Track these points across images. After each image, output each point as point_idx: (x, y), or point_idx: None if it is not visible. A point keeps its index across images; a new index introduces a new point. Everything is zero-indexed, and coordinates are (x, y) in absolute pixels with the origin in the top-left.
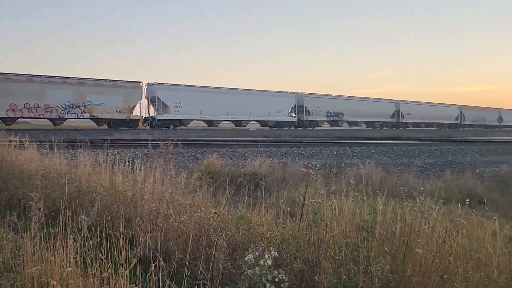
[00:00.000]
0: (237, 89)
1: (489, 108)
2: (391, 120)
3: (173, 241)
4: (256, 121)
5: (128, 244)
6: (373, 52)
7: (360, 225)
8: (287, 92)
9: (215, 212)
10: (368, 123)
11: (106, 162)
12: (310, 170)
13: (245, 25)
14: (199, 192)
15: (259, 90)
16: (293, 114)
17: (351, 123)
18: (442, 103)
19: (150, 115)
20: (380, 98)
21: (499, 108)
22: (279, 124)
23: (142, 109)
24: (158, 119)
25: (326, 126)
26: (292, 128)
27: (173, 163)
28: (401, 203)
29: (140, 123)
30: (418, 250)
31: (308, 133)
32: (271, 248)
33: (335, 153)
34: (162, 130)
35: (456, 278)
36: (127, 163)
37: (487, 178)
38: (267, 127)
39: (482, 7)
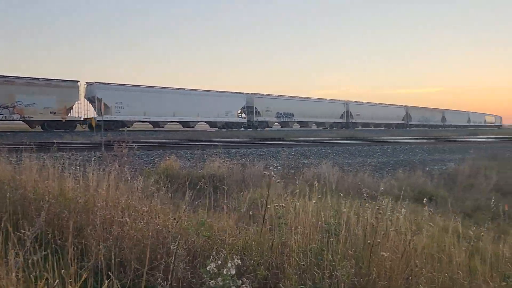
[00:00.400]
0: (184, 89)
1: (434, 109)
2: (340, 120)
3: (129, 250)
4: (204, 122)
5: (80, 255)
6: (326, 54)
7: (324, 228)
8: (236, 92)
9: (174, 219)
10: (318, 124)
11: (55, 167)
12: (272, 172)
13: (198, 25)
14: (157, 197)
15: (207, 90)
16: (243, 115)
17: (301, 123)
18: (390, 104)
19: (90, 117)
20: (330, 99)
21: (443, 109)
22: (228, 125)
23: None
24: (98, 121)
25: (276, 127)
26: (242, 129)
27: (128, 166)
28: (363, 204)
29: (93, 124)
30: (383, 253)
31: (266, 134)
32: (234, 256)
33: (293, 153)
34: (115, 132)
35: (421, 280)
36: (78, 168)
37: (436, 176)
38: (225, 128)
39: (428, 12)
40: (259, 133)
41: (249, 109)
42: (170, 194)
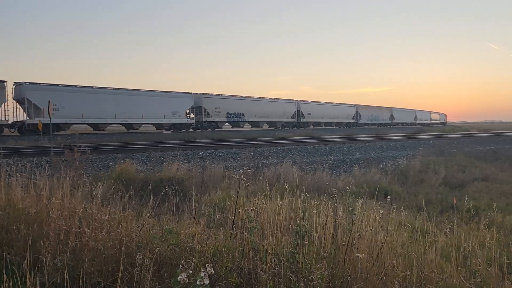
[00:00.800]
0: (127, 89)
1: (382, 107)
2: (292, 120)
3: (88, 262)
4: (149, 123)
5: (34, 270)
6: (280, 55)
7: (294, 230)
8: (184, 92)
9: (138, 227)
10: (270, 124)
11: (0, 175)
12: (236, 175)
13: (144, 25)
14: (117, 204)
15: (153, 91)
16: (192, 116)
17: (253, 123)
18: (340, 103)
19: (20, 119)
20: (281, 99)
21: (391, 107)
22: (176, 127)
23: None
24: (28, 124)
25: (227, 127)
26: (191, 130)
27: (80, 172)
28: (332, 204)
29: (40, 128)
30: (359, 254)
31: (225, 134)
32: (207, 264)
33: (252, 154)
34: (65, 135)
35: (396, 280)
36: (26, 175)
37: (389, 172)
38: (173, 130)
39: (380, 17)
40: (217, 133)
41: (198, 110)
42: (126, 199)
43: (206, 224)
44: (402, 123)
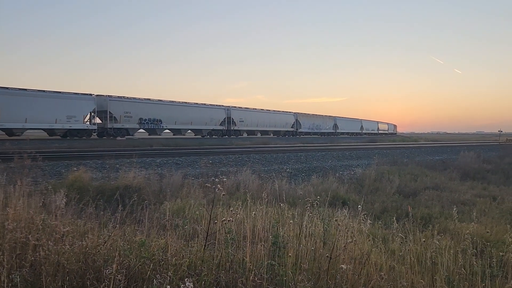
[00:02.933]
0: (7, 88)
1: (325, 116)
2: (221, 127)
3: (49, 277)
4: (36, 129)
5: None
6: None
7: (270, 240)
8: (83, 94)
9: (103, 239)
10: (195, 131)
11: None
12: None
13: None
14: (76, 214)
15: (42, 91)
16: (95, 121)
17: (174, 131)
18: (278, 111)
19: None
20: (209, 104)
21: (335, 116)
22: (72, 133)
23: None
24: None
25: (142, 134)
26: (96, 136)
27: (29, 179)
28: (305, 213)
29: None
30: (343, 265)
31: (181, 142)
32: (186, 279)
33: (211, 161)
34: (9, 140)
35: None
36: None
37: (346, 180)
38: (69, 137)
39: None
40: (174, 141)
41: (103, 114)
42: (91, 209)
43: (179, 237)
44: (347, 133)
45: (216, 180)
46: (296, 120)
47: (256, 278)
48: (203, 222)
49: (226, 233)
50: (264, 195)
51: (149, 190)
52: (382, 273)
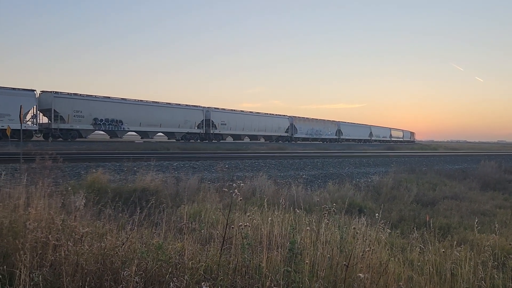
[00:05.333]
0: None
1: (327, 121)
2: (198, 130)
3: (69, 277)
4: None
5: (7, 286)
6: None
7: (287, 247)
8: (22, 89)
9: (121, 241)
10: (167, 134)
11: None
12: (236, 190)
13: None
14: (95, 215)
15: None
16: (37, 121)
17: (140, 133)
18: (269, 114)
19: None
20: (185, 105)
21: (338, 121)
22: (5, 134)
23: None
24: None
25: (100, 136)
26: (39, 137)
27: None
28: (322, 220)
29: (8, 133)
30: (360, 274)
31: (198, 146)
32: (203, 283)
33: (227, 166)
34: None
35: None
36: None
37: (363, 188)
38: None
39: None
40: (191, 145)
41: (46, 113)
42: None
43: (196, 241)
44: (353, 139)
45: (234, 185)
46: (291, 124)
47: (272, 284)
48: (219, 226)
49: (242, 238)
50: (282, 201)
51: (166, 193)
52: (401, 283)
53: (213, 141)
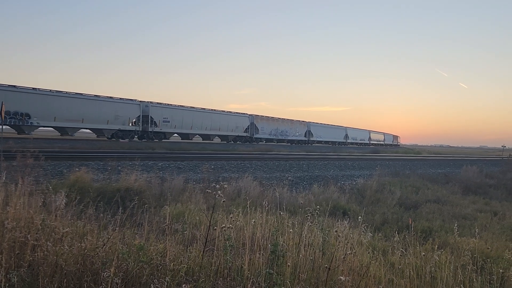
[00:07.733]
0: None
1: (294, 121)
2: (134, 128)
3: (47, 278)
4: None
5: None
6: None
7: (269, 249)
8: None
9: (103, 241)
10: (95, 131)
11: None
12: (219, 191)
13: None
14: (76, 215)
15: None
16: None
17: (59, 129)
18: (228, 111)
19: None
20: (118, 98)
21: (309, 122)
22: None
23: None
24: None
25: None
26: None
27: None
28: (305, 224)
29: None
30: (341, 277)
31: (184, 146)
32: (184, 285)
33: (212, 167)
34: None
35: None
36: None
37: (347, 190)
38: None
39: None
40: (177, 145)
41: None
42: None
43: (178, 242)
44: (325, 142)
45: (217, 186)
46: (252, 123)
47: (253, 287)
48: (203, 227)
49: (225, 240)
50: (265, 203)
51: (150, 193)
52: (381, 286)
53: (155, 140)
